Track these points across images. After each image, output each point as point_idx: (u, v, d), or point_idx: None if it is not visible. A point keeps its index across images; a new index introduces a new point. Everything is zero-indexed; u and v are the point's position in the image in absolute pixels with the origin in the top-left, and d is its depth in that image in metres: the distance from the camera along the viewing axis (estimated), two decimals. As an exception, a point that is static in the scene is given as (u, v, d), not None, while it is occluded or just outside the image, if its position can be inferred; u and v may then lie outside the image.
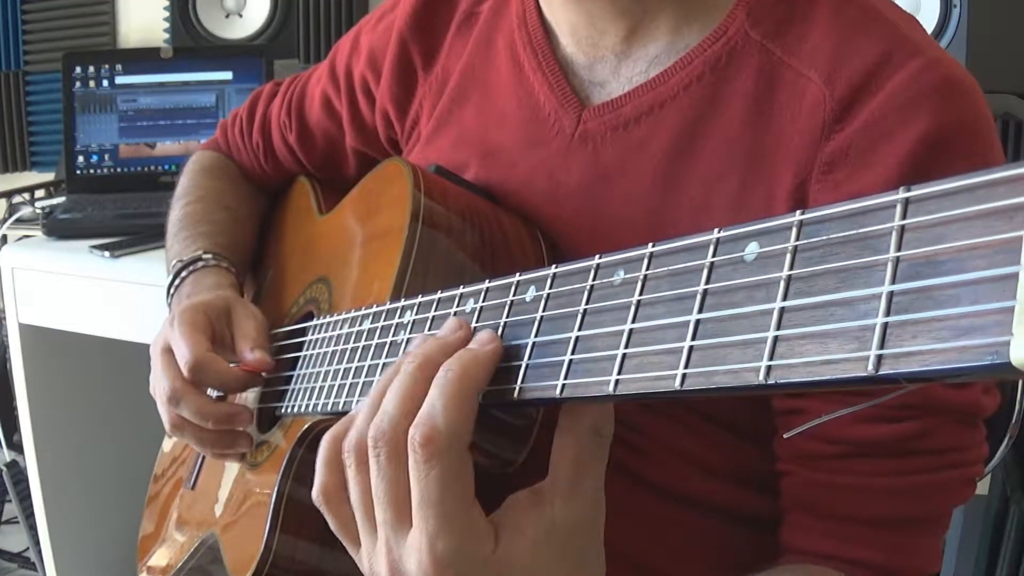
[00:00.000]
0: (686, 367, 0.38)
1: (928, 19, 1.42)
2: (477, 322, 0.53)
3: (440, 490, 0.47)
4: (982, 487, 1.38)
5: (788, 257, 0.36)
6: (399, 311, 0.61)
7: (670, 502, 0.70)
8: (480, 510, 0.49)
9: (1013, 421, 0.98)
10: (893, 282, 0.31)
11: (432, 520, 0.48)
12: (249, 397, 0.85)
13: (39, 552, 1.86)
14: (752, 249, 0.38)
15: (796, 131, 0.65)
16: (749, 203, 0.65)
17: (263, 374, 0.81)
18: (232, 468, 0.84)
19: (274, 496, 0.68)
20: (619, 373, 0.42)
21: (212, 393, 0.82)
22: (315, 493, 0.54)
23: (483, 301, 0.53)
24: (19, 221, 1.81)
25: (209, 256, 0.93)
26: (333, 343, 0.69)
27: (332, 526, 0.55)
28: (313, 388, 0.70)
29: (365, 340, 0.64)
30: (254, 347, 0.80)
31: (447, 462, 0.47)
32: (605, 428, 0.51)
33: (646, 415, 0.69)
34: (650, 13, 0.71)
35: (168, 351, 0.80)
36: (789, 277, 0.35)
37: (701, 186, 0.67)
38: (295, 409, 0.73)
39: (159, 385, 0.80)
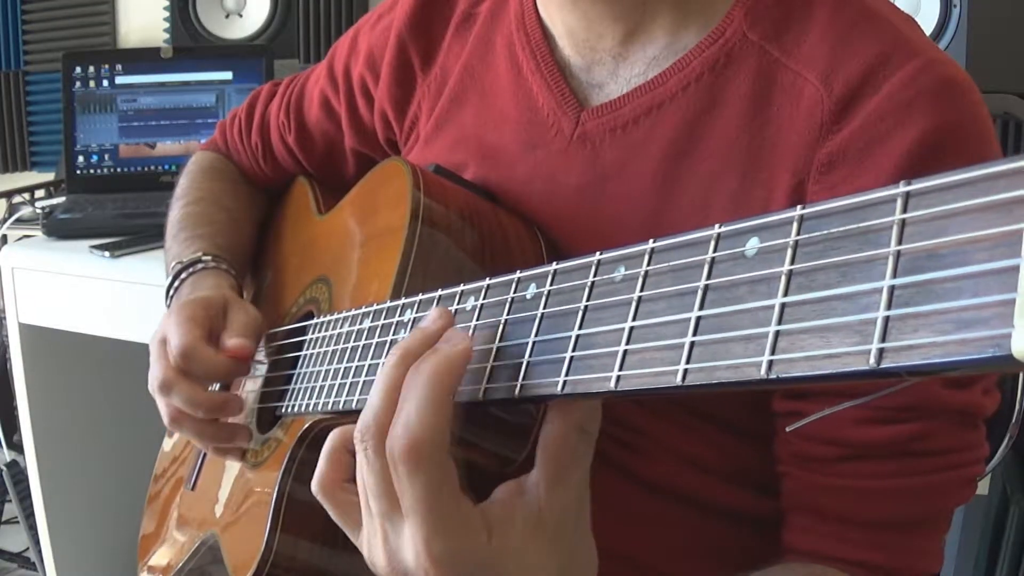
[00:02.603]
0: (687, 362, 0.38)
1: (928, 19, 1.42)
2: (478, 320, 0.53)
3: (428, 497, 0.48)
4: (982, 487, 1.38)
5: (789, 252, 0.36)
6: (399, 309, 0.61)
7: (670, 502, 0.70)
8: (470, 504, 0.50)
9: (1013, 421, 0.98)
10: (894, 276, 0.31)
11: (426, 524, 0.48)
12: (250, 397, 0.86)
13: (39, 552, 1.86)
14: (753, 244, 0.38)
15: (794, 132, 0.65)
16: (748, 204, 0.65)
17: (254, 365, 0.81)
18: (232, 468, 0.84)
19: (275, 495, 0.68)
20: (620, 369, 0.42)
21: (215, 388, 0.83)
22: (313, 482, 0.56)
23: (484, 299, 0.53)
24: (19, 221, 1.81)
25: (208, 258, 0.93)
26: (333, 342, 0.69)
27: (331, 514, 0.56)
28: (313, 387, 0.70)
29: (365, 339, 0.64)
30: (235, 335, 0.80)
31: (430, 469, 0.47)
32: (591, 425, 0.51)
33: (646, 416, 0.69)
34: (648, 15, 0.70)
35: (163, 342, 0.81)
36: (790, 272, 0.35)
37: (700, 187, 0.67)
38: (295, 409, 0.73)
39: (151, 374, 0.81)
